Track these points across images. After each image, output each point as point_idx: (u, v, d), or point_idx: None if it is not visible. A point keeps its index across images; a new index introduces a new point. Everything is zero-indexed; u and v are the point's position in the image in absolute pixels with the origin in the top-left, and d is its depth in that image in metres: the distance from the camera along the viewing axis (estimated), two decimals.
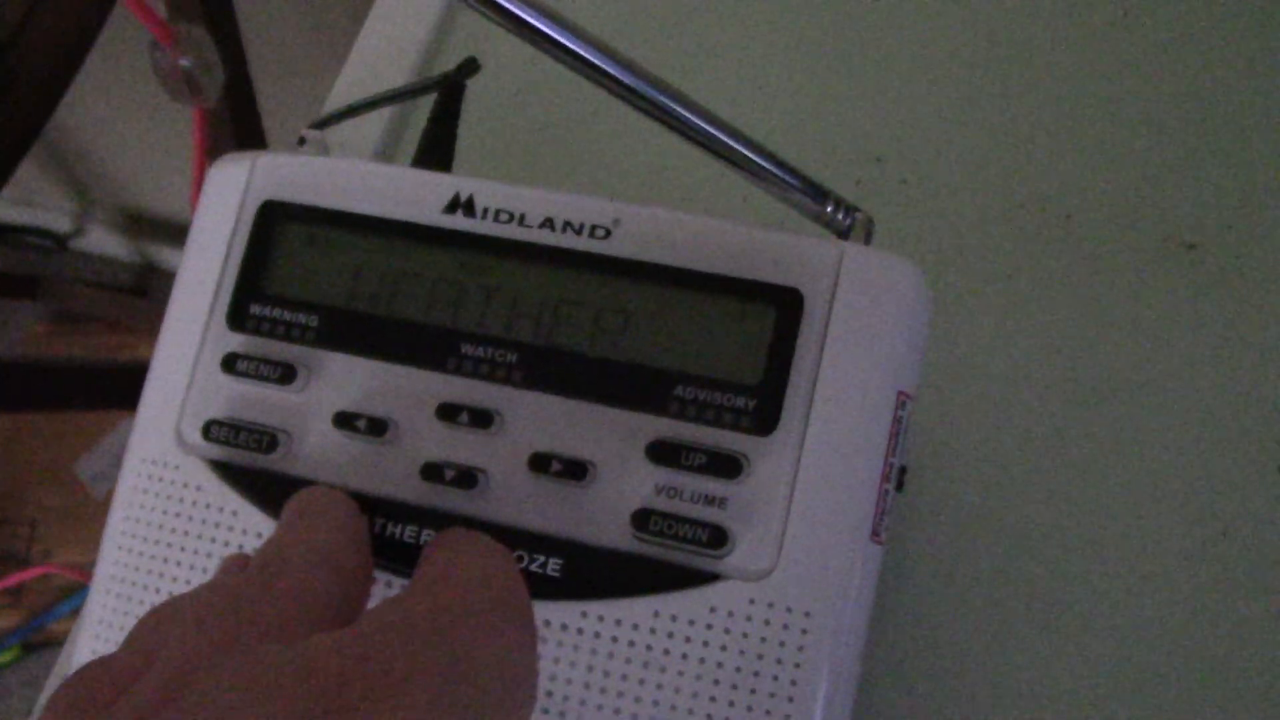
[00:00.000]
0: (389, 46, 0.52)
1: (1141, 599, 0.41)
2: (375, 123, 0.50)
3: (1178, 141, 0.48)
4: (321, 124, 0.40)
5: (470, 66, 0.40)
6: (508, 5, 0.29)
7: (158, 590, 0.33)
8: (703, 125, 0.32)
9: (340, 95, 0.51)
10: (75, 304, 1.61)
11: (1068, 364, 0.45)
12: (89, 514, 1.48)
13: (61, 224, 1.71)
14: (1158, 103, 0.49)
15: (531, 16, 0.30)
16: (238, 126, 0.84)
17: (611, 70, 0.31)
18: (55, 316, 1.65)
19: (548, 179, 0.49)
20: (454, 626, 0.23)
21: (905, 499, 0.42)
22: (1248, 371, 0.44)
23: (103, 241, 1.71)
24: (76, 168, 1.59)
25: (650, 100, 0.31)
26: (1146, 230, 0.46)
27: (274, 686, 0.20)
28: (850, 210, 0.33)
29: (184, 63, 0.64)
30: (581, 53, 0.30)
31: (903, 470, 0.32)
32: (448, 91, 0.39)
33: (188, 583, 0.32)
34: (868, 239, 0.33)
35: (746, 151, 0.32)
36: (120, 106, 1.38)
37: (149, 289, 1.70)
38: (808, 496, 0.30)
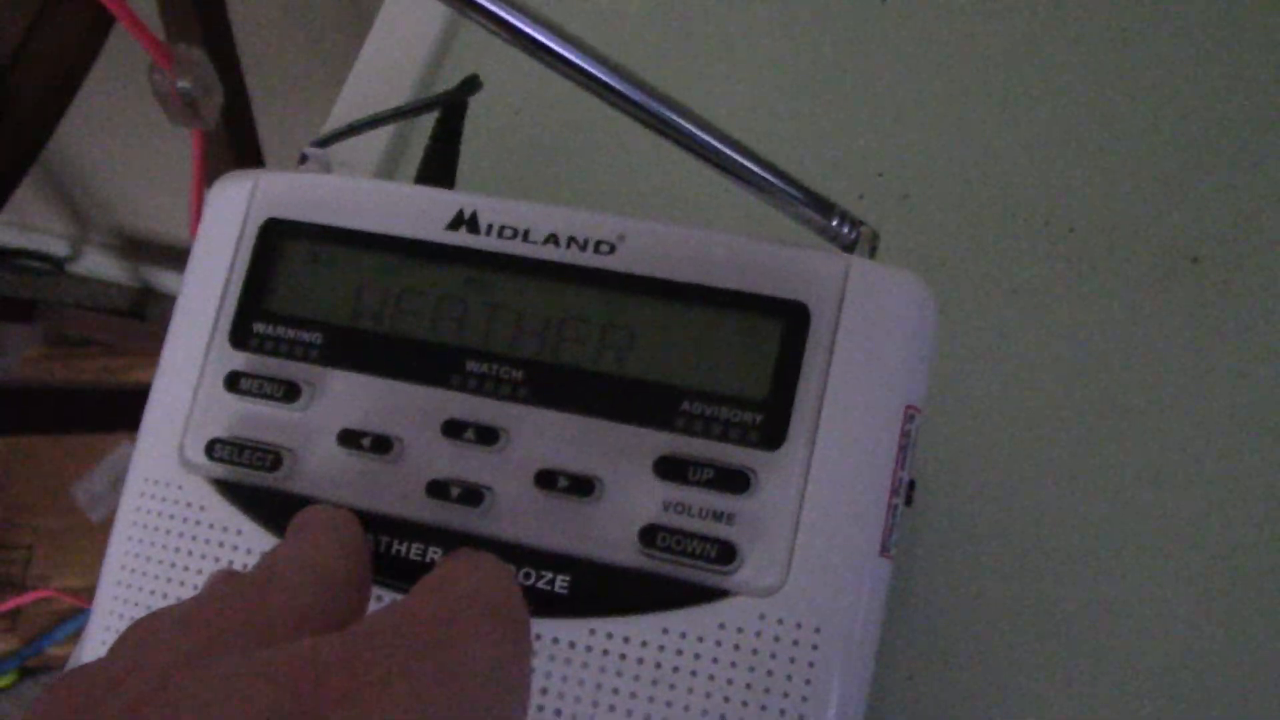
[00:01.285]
0: (391, 64, 0.52)
1: (1151, 612, 0.41)
2: (376, 141, 0.50)
3: (1181, 154, 0.48)
4: (323, 142, 0.40)
5: (472, 84, 0.40)
6: (514, 21, 0.29)
7: None
8: (707, 139, 0.32)
9: (342, 113, 0.51)
10: (72, 327, 1.61)
11: (1074, 377, 0.45)
12: (86, 537, 1.47)
13: (59, 247, 1.71)
14: (1161, 115, 0.49)
15: (538, 32, 0.30)
16: (236, 148, 0.84)
17: (616, 84, 0.31)
18: (52, 339, 1.65)
19: (552, 195, 0.49)
20: (442, 632, 0.22)
21: (914, 513, 0.42)
22: (1254, 384, 0.44)
23: (100, 265, 1.71)
24: (74, 191, 1.59)
25: (655, 114, 0.31)
26: (1151, 243, 0.46)
27: (252, 685, 0.20)
28: (855, 224, 0.33)
29: (182, 85, 0.64)
30: (586, 67, 0.30)
31: (911, 485, 0.31)
32: (450, 109, 0.39)
33: None
34: (872, 253, 0.33)
35: (751, 165, 0.32)
36: (117, 130, 1.38)
37: (146, 312, 1.70)
38: (816, 511, 0.29)
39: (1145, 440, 0.43)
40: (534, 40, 0.30)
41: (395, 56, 0.52)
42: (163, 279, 1.70)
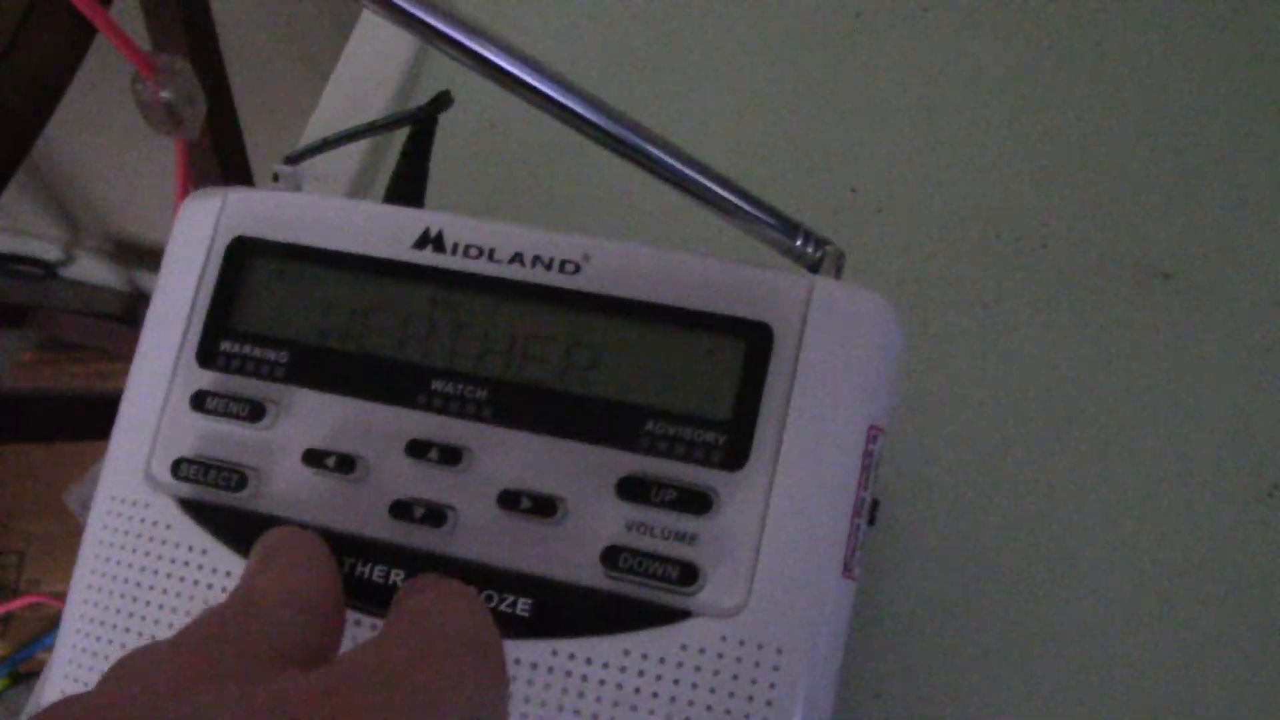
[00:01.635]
0: (365, 80, 0.52)
1: (1120, 629, 0.41)
2: (350, 156, 0.50)
3: (1154, 171, 0.48)
4: (295, 159, 0.40)
5: (443, 100, 0.40)
6: (471, 45, 0.29)
7: (127, 630, 0.33)
8: (670, 162, 0.32)
9: (317, 128, 0.51)
10: (64, 332, 1.61)
11: (1045, 392, 0.45)
12: (77, 543, 1.47)
13: (51, 252, 1.70)
14: (1134, 133, 0.49)
15: (498, 57, 0.30)
16: (221, 157, 0.84)
17: (577, 108, 0.31)
18: (44, 344, 1.65)
19: (526, 211, 0.49)
20: (424, 668, 0.23)
21: (879, 532, 0.42)
22: (1224, 401, 0.44)
23: (92, 270, 1.71)
24: (66, 196, 1.59)
25: (617, 138, 0.31)
26: (1122, 259, 0.46)
27: None
28: (821, 243, 0.33)
29: (165, 95, 0.64)
30: (548, 92, 0.30)
31: (875, 504, 0.31)
32: (420, 125, 0.39)
33: (157, 622, 0.32)
34: (838, 272, 0.33)
35: (715, 187, 0.32)
36: (109, 135, 1.38)
37: (138, 317, 1.70)
38: (778, 532, 0.30)
39: (1116, 456, 0.43)
40: (495, 66, 0.30)
41: (370, 72, 0.52)
42: (155, 284, 1.69)
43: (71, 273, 1.73)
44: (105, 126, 1.34)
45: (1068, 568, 0.42)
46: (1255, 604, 0.41)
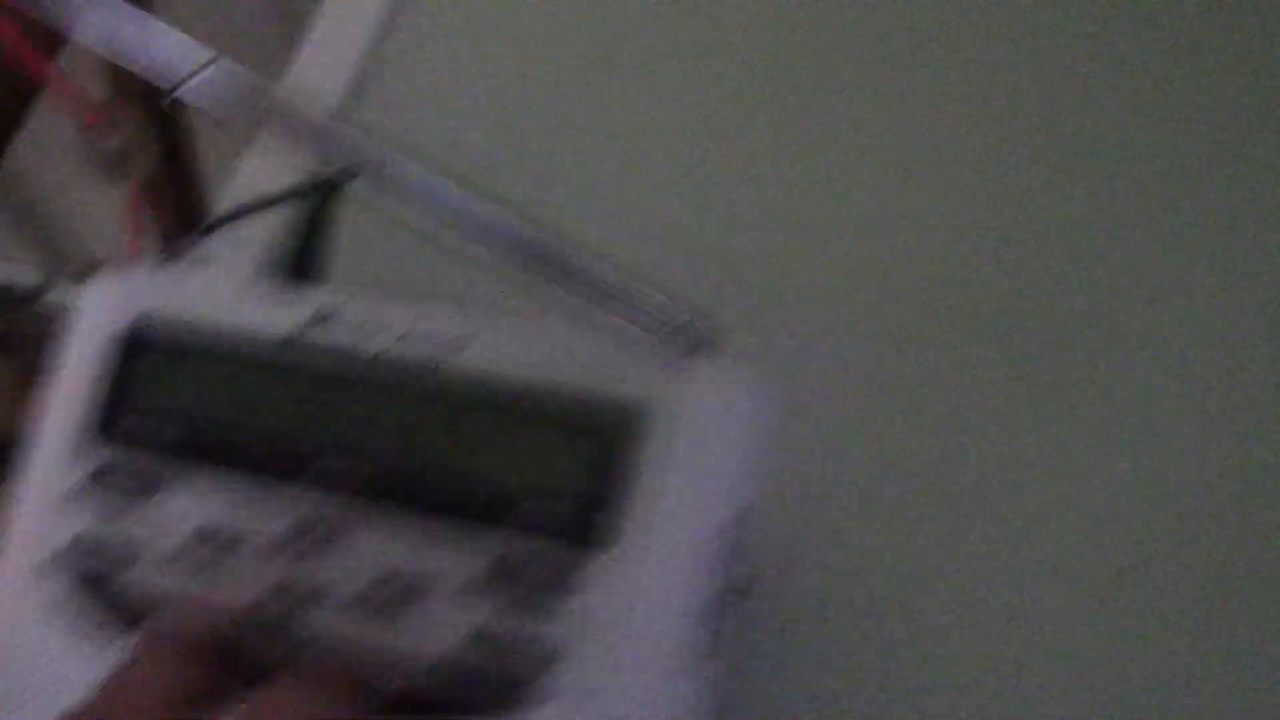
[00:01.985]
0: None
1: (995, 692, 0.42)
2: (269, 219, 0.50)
3: (1074, 223, 0.48)
4: (206, 230, 0.40)
5: (350, 170, 0.40)
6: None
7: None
8: (534, 250, 0.32)
9: (242, 189, 0.52)
10: (44, 358, 1.61)
11: (938, 461, 0.45)
12: None
13: (30, 278, 1.71)
14: (1052, 184, 0.50)
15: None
16: (179, 194, 0.84)
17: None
18: (26, 370, 1.65)
19: (423, 286, 0.49)
20: None
21: (771, 605, 0.42)
22: (1152, 453, 0.44)
23: (70, 296, 1.72)
24: (45, 223, 1.60)
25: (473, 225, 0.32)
26: (1018, 329, 0.46)
27: None
28: (698, 321, 0.34)
29: (111, 143, 0.65)
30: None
31: (749, 579, 0.32)
32: (323, 196, 0.40)
33: (45, 706, 0.33)
34: (715, 350, 0.34)
35: (582, 272, 0.33)
36: (84, 162, 1.38)
37: None
38: (644, 613, 0.30)
39: (1030, 519, 0.44)
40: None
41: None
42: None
43: (51, 299, 1.73)
44: (80, 153, 1.34)
45: (975, 608, 0.42)
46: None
